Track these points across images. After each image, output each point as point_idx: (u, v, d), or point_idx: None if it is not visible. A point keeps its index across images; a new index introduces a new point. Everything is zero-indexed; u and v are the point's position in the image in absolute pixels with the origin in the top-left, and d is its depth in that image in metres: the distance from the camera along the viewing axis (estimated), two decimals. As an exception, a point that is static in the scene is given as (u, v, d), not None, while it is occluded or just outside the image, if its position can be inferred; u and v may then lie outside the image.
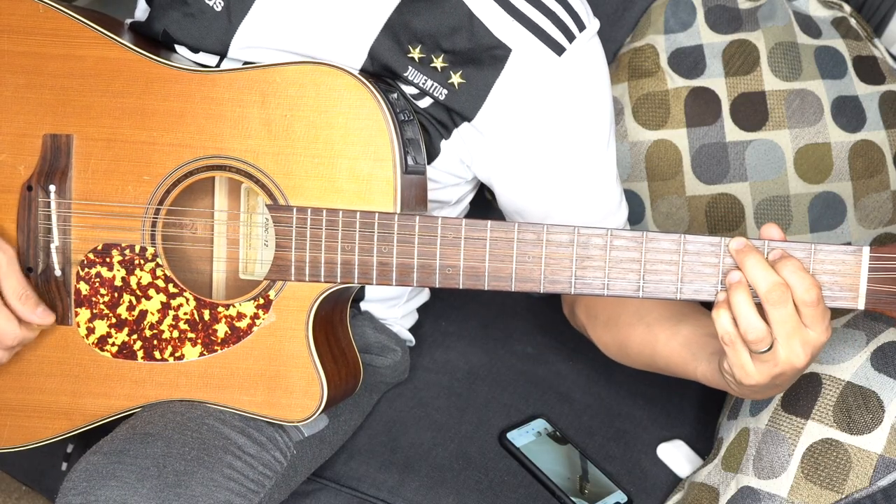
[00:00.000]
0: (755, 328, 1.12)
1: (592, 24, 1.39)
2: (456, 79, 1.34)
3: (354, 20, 1.34)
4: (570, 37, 1.36)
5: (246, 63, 1.37)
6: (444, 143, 1.38)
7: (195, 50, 1.38)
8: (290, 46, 1.36)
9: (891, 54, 1.85)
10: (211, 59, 1.38)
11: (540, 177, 1.40)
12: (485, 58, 1.34)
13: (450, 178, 1.43)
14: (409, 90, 1.35)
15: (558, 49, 1.35)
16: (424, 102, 1.35)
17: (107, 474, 1.19)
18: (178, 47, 1.38)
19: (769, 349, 1.13)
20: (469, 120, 1.36)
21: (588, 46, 1.38)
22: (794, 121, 1.79)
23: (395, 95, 1.31)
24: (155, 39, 1.38)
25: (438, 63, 1.34)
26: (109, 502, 1.17)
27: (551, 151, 1.38)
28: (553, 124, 1.37)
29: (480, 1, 1.34)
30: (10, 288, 1.28)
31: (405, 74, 1.34)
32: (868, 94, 1.80)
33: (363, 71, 1.35)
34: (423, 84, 1.34)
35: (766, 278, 1.11)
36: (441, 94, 1.34)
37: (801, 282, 1.11)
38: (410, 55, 1.34)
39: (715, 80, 1.82)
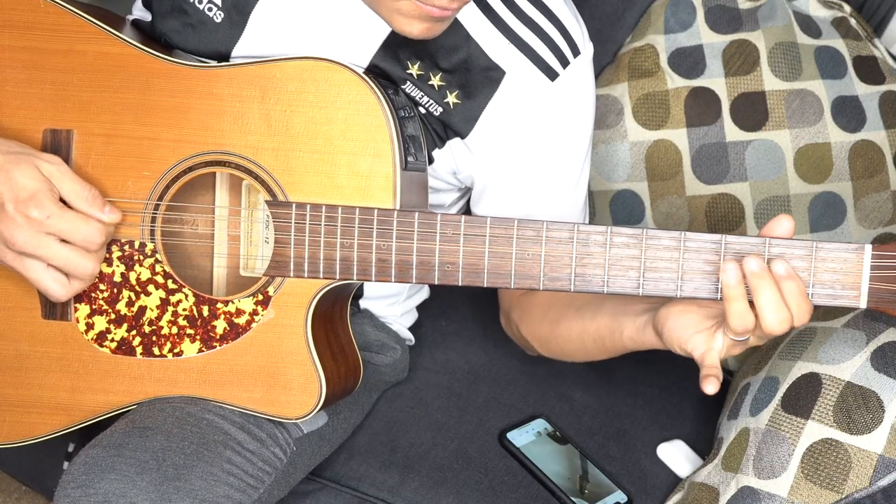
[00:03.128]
0: (749, 321, 1.13)
1: (587, 48, 1.40)
2: (452, 98, 1.35)
3: (355, 34, 1.35)
4: (565, 62, 1.37)
5: None
6: (436, 153, 1.39)
7: None
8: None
9: (891, 54, 1.85)
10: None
11: (516, 190, 1.41)
12: (480, 79, 1.35)
13: (443, 184, 1.45)
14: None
15: (552, 74, 1.37)
16: (420, 110, 1.36)
17: (106, 467, 1.19)
18: None
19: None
20: (462, 138, 1.37)
21: (581, 72, 1.39)
22: (794, 121, 1.79)
23: (396, 92, 1.31)
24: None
25: (436, 81, 1.35)
26: (109, 495, 1.17)
27: (532, 170, 1.40)
28: (538, 146, 1.39)
29: (478, 22, 1.35)
30: (71, 192, 1.25)
31: (403, 87, 1.35)
32: (868, 94, 1.80)
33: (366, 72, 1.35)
34: (420, 99, 1.35)
35: (778, 311, 1.11)
36: (436, 110, 1.36)
37: (800, 309, 1.11)
38: (409, 71, 1.35)
39: (715, 80, 1.82)
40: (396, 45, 1.34)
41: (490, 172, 1.41)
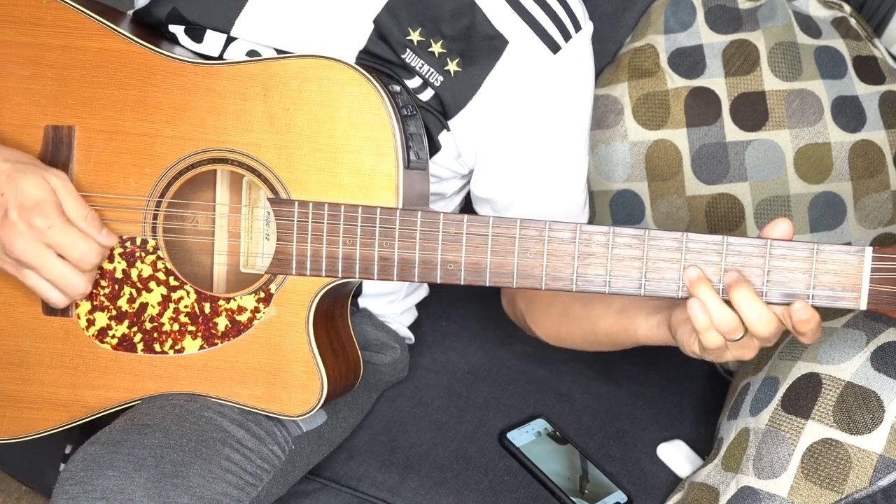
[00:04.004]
0: (727, 321, 1.12)
1: (588, 26, 1.41)
2: (452, 66, 1.35)
3: None
4: (567, 36, 1.37)
5: (251, 51, 1.37)
6: (443, 136, 1.39)
7: (199, 38, 1.38)
8: (295, 22, 1.36)
9: (891, 54, 1.86)
10: (217, 40, 1.38)
11: (516, 167, 1.41)
12: (482, 47, 1.35)
13: (447, 172, 1.44)
14: (413, 83, 1.35)
15: (554, 47, 1.37)
16: (426, 95, 1.36)
17: (104, 464, 1.19)
18: (181, 38, 1.38)
19: (744, 335, 1.14)
20: (462, 109, 1.37)
21: (582, 47, 1.40)
22: (794, 121, 1.79)
23: (398, 90, 1.31)
24: (157, 28, 1.38)
25: (437, 48, 1.35)
26: (106, 492, 1.17)
27: (532, 144, 1.40)
28: (539, 118, 1.39)
29: None
30: (72, 209, 1.25)
31: (403, 57, 1.35)
32: (868, 94, 1.80)
33: (366, 50, 1.35)
34: (420, 68, 1.35)
35: (723, 316, 1.12)
36: (437, 80, 1.35)
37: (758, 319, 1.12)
38: (409, 38, 1.35)
39: (715, 80, 1.82)
40: (399, 7, 1.34)
41: (491, 147, 1.40)
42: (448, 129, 1.38)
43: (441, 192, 1.48)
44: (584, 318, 1.38)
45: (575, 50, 1.38)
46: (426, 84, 1.35)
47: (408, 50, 1.35)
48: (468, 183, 1.52)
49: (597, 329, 1.36)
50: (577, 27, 1.38)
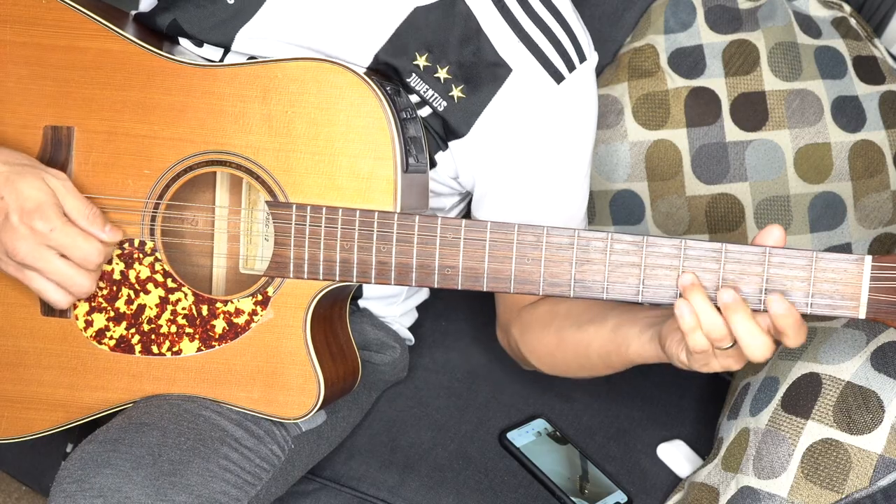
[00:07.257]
0: (716, 326, 1.11)
1: (592, 56, 1.40)
2: (456, 92, 1.35)
3: (366, 22, 1.35)
4: (571, 66, 1.38)
5: (250, 56, 1.37)
6: (440, 156, 1.39)
7: (199, 43, 1.38)
8: (298, 42, 1.36)
9: (891, 54, 1.86)
10: (215, 53, 1.38)
11: (516, 194, 1.41)
12: (486, 74, 1.35)
13: (444, 188, 1.44)
14: (412, 98, 1.35)
15: (558, 77, 1.37)
16: (424, 112, 1.36)
17: (102, 462, 1.19)
18: (182, 41, 1.38)
19: (732, 346, 1.14)
20: (463, 135, 1.37)
21: (585, 78, 1.40)
22: (794, 121, 1.79)
23: (398, 94, 1.31)
24: (159, 32, 1.38)
25: (442, 74, 1.35)
26: (104, 490, 1.17)
27: (532, 173, 1.40)
28: (540, 148, 1.39)
29: (490, 17, 1.35)
30: (73, 209, 1.25)
31: (408, 80, 1.35)
32: (868, 94, 1.80)
33: (368, 71, 1.35)
34: (425, 93, 1.35)
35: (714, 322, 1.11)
36: (440, 104, 1.35)
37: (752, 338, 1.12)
38: (416, 62, 1.35)
39: (715, 80, 1.82)
40: (407, 34, 1.34)
41: (490, 175, 1.41)
42: (445, 149, 1.38)
43: (440, 206, 1.48)
44: (577, 341, 1.37)
45: (578, 81, 1.38)
46: (425, 103, 1.35)
47: (413, 74, 1.35)
48: (463, 200, 1.52)
49: (589, 351, 1.35)
50: (582, 58, 1.39)
